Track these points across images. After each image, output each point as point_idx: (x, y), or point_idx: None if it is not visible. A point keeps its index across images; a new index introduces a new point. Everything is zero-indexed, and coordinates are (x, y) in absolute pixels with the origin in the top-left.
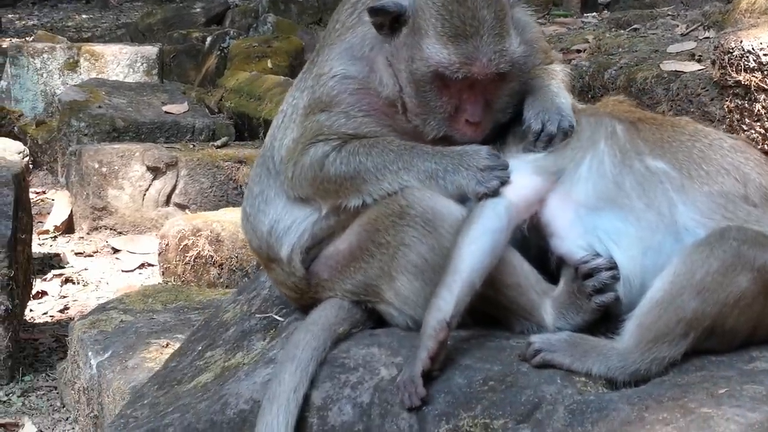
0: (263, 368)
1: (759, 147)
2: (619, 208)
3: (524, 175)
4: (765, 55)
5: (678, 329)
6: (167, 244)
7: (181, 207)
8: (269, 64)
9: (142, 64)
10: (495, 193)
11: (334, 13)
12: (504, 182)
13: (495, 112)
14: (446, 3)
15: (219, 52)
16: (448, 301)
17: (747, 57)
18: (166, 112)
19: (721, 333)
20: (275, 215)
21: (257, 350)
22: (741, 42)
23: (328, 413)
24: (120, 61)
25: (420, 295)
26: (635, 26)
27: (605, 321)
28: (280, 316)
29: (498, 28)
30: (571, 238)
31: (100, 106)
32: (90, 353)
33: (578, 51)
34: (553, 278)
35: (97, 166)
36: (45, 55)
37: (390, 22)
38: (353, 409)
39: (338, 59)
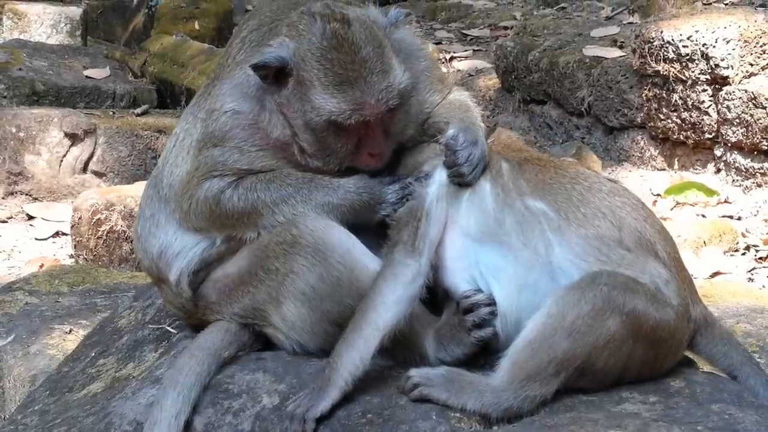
0: (149, 388)
1: (675, 137)
2: (499, 245)
3: (435, 214)
4: (684, 46)
5: (549, 369)
6: (80, 218)
7: (99, 175)
8: (197, 26)
9: (66, 24)
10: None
11: (227, 45)
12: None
13: (394, 137)
14: (325, 52)
15: (147, 11)
16: (364, 357)
17: (666, 48)
18: (87, 77)
19: (592, 373)
20: (166, 240)
21: (148, 362)
22: (661, 32)
23: None
24: (43, 21)
25: (306, 321)
26: (563, 5)
27: (485, 353)
28: (173, 328)
29: (379, 64)
30: (456, 270)
31: (20, 69)
32: None
33: (505, 28)
34: (437, 308)
35: (14, 130)
36: None
37: (274, 74)
38: None
39: (230, 95)
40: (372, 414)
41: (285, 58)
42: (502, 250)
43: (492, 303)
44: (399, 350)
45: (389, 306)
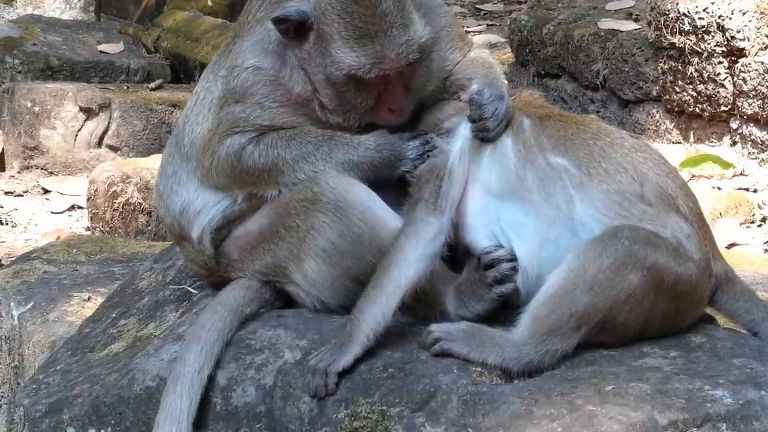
0: (171, 344)
1: (690, 109)
2: (521, 201)
3: (457, 172)
4: (700, 18)
5: (570, 323)
6: (96, 190)
7: (113, 149)
8: (209, 2)
9: (79, 0)
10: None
11: (247, 3)
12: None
13: (415, 92)
14: (345, 5)
15: None
16: (386, 313)
17: (682, 20)
18: (101, 52)
19: (613, 328)
20: (188, 197)
21: (169, 322)
22: (677, 4)
23: (231, 394)
24: None
25: (327, 278)
26: None
27: (505, 310)
28: (193, 289)
29: (400, 18)
30: (477, 227)
31: (34, 44)
32: (12, 303)
33: (519, 2)
34: (458, 266)
35: (29, 105)
36: None
37: (295, 28)
38: (256, 390)
39: (251, 51)
40: (393, 368)
41: (306, 12)
42: (524, 207)
43: (513, 258)
44: (420, 307)
45: (411, 263)
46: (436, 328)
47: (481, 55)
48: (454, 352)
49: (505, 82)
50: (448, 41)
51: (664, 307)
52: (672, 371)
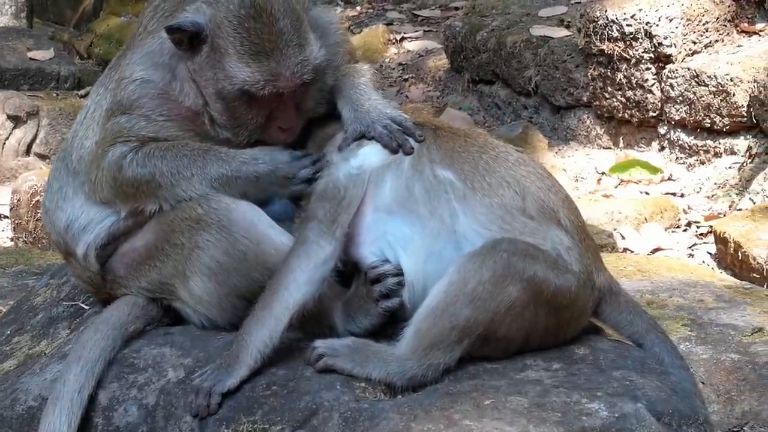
0: (56, 363)
1: (620, 115)
2: (408, 213)
3: (355, 203)
4: (628, 25)
5: (452, 336)
6: (19, 200)
7: (42, 157)
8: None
9: (11, 6)
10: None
11: (140, 15)
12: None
13: (305, 113)
14: (242, 20)
15: None
16: (274, 335)
17: (611, 26)
18: (31, 59)
19: (495, 340)
20: (72, 213)
21: (61, 339)
22: (606, 11)
23: (113, 414)
24: None
25: (214, 295)
26: None
27: (393, 324)
28: (86, 305)
29: (296, 38)
30: (364, 243)
31: None
32: None
33: (456, 8)
34: (348, 280)
35: None
36: None
37: (188, 40)
38: (138, 410)
39: (140, 64)
40: (277, 386)
41: (200, 24)
42: (411, 219)
43: (399, 273)
44: (308, 323)
45: (300, 285)
46: (321, 344)
47: (360, 68)
48: (338, 367)
49: (373, 94)
50: (338, 57)
51: (545, 319)
52: (552, 384)
